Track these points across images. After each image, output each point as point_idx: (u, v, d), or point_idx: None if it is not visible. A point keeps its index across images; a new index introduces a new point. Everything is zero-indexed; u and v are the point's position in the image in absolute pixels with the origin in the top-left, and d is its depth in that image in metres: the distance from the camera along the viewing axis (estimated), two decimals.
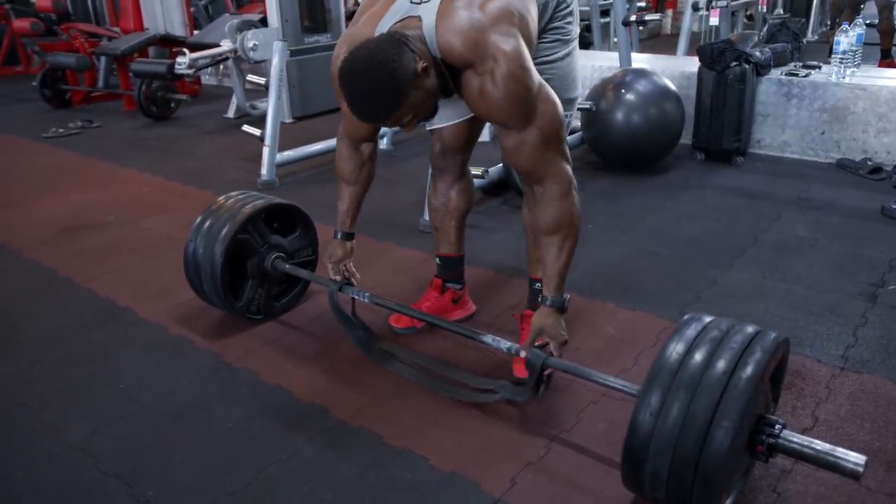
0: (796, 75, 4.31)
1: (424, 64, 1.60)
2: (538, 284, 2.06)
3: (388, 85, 1.55)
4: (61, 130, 5.66)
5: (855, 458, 1.42)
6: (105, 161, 4.83)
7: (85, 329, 2.54)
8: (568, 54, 2.00)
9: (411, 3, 1.70)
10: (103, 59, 6.58)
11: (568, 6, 1.97)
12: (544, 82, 1.70)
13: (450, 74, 1.69)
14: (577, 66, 2.05)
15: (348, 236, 2.24)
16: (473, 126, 2.20)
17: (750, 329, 1.52)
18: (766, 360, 1.44)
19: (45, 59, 6.60)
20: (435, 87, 1.66)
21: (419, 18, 1.66)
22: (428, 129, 2.23)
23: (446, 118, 2.15)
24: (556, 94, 1.90)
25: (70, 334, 2.51)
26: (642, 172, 4.09)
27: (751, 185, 3.90)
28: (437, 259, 2.46)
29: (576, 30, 2.03)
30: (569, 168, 1.77)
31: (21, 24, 7.48)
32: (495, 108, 1.66)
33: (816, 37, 9.16)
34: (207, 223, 2.41)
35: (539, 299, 1.86)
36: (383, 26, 1.71)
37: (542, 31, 1.93)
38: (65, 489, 1.74)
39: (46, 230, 3.55)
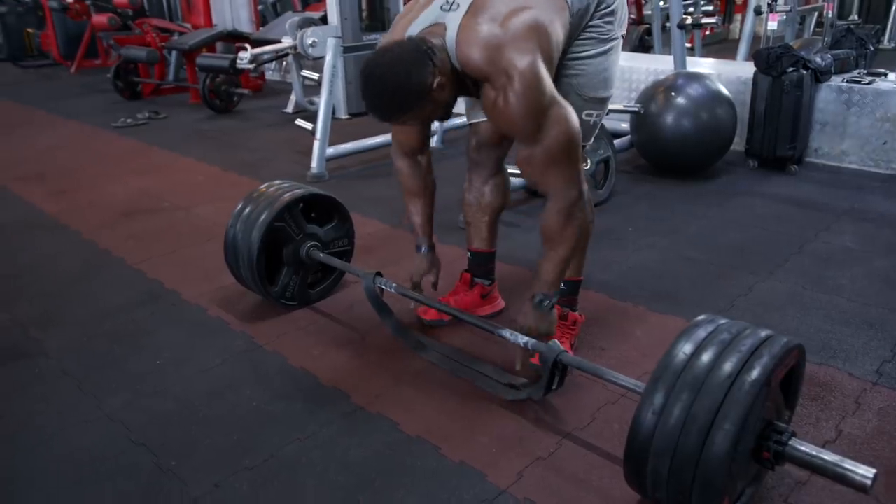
0: (858, 82, 4.17)
1: (441, 80, 1.69)
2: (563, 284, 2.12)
3: (398, 96, 1.66)
4: (129, 120, 5.92)
5: (863, 471, 1.39)
6: (167, 150, 5.03)
7: (131, 308, 2.67)
8: (602, 53, 2.00)
9: (441, 9, 1.75)
10: (173, 53, 6.84)
11: (609, 7, 1.97)
12: (560, 100, 1.73)
13: (472, 82, 1.75)
14: (613, 66, 2.05)
15: (431, 248, 2.27)
16: None
17: (762, 333, 1.50)
18: (774, 365, 1.42)
19: (118, 53, 6.90)
20: (448, 98, 1.75)
21: (444, 27, 1.70)
22: (467, 122, 2.28)
23: (483, 113, 2.16)
24: (585, 91, 1.91)
25: (117, 312, 2.64)
26: (691, 178, 4.03)
27: (803, 194, 3.80)
28: (469, 253, 2.48)
29: (618, 31, 2.03)
30: (573, 188, 1.81)
31: (99, 19, 7.83)
32: (506, 122, 1.75)
33: (894, 44, 8.81)
34: (247, 210, 2.50)
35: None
36: (413, 30, 1.77)
37: (583, 29, 1.95)
38: (96, 454, 1.84)
39: (106, 214, 3.73)
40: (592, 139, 2.12)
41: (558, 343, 1.85)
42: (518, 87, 1.65)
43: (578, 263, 2.27)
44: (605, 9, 1.97)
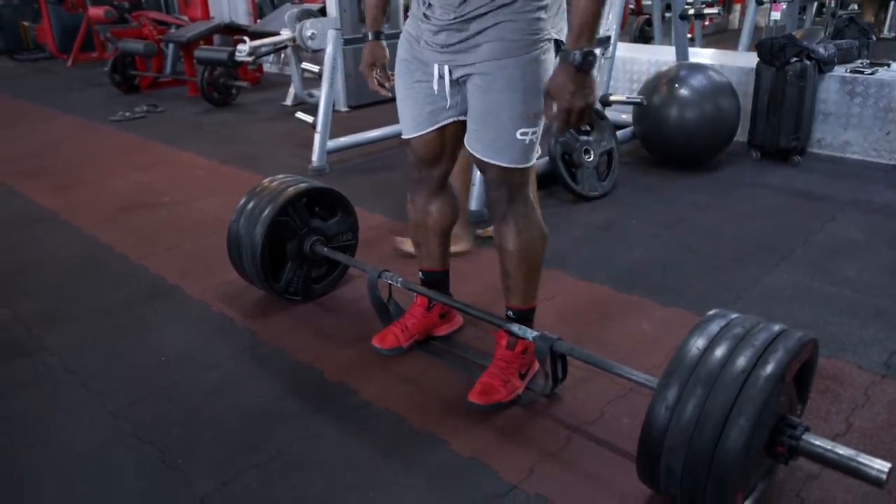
0: (861, 72, 4.15)
1: None
2: (510, 312, 2.01)
3: None
4: (128, 114, 5.88)
5: (879, 465, 1.38)
6: (165, 144, 5.00)
7: (134, 303, 2.65)
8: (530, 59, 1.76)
9: None
10: (171, 46, 6.79)
11: None
12: None
13: None
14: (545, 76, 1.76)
15: (379, 35, 2.09)
16: (443, 138, 1.96)
17: (775, 327, 1.49)
18: (789, 360, 1.41)
19: (115, 46, 6.85)
20: None
21: None
22: (403, 137, 2.04)
23: (414, 122, 1.97)
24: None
25: (120, 308, 2.62)
26: (694, 169, 4.01)
27: (807, 185, 3.78)
28: (420, 273, 2.27)
29: (549, 28, 1.77)
30: None
31: (96, 11, 7.78)
32: None
33: (894, 34, 8.78)
34: (250, 205, 2.48)
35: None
36: None
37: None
38: (103, 452, 1.83)
39: (106, 209, 3.70)
40: (533, 160, 1.88)
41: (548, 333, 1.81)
42: None
43: (532, 287, 2.01)
44: None
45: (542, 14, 1.72)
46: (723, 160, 4.16)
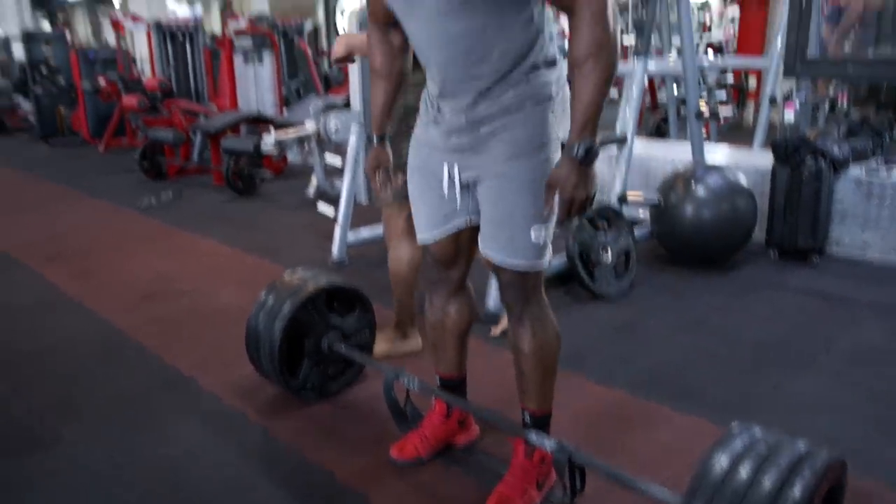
0: (877, 173, 4.18)
1: None
2: (527, 414, 1.98)
3: None
4: (153, 201, 6.03)
5: None
6: (188, 232, 5.09)
7: (148, 395, 2.64)
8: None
9: None
10: (198, 134, 7.02)
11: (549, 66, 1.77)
12: None
13: None
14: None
15: (383, 138, 2.08)
16: (459, 241, 1.97)
17: (801, 447, 1.45)
18: (816, 483, 1.37)
19: (146, 134, 7.09)
20: None
21: None
22: (419, 242, 2.05)
23: (429, 227, 1.98)
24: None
25: (134, 399, 2.61)
26: (712, 269, 4.01)
27: (827, 287, 3.76)
28: (438, 378, 2.24)
29: (559, 129, 1.80)
30: None
31: (129, 100, 8.09)
32: None
33: None
34: (270, 299, 2.50)
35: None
36: None
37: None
38: None
39: (127, 296, 3.74)
40: (547, 261, 1.87)
41: (567, 442, 1.78)
42: None
43: (548, 389, 1.98)
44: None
45: (551, 116, 1.76)
46: (741, 259, 4.16)
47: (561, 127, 1.77)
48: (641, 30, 3.86)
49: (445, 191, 1.87)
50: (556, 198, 1.63)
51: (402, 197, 2.45)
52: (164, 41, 8.88)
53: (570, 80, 1.64)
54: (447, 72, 1.73)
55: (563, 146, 1.73)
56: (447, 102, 1.78)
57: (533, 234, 1.78)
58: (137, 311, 3.54)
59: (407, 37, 1.88)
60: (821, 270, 4.03)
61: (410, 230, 2.64)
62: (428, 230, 1.98)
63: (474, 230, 1.93)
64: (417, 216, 2.00)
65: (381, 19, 1.93)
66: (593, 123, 1.58)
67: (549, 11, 1.72)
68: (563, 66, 1.78)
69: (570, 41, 1.58)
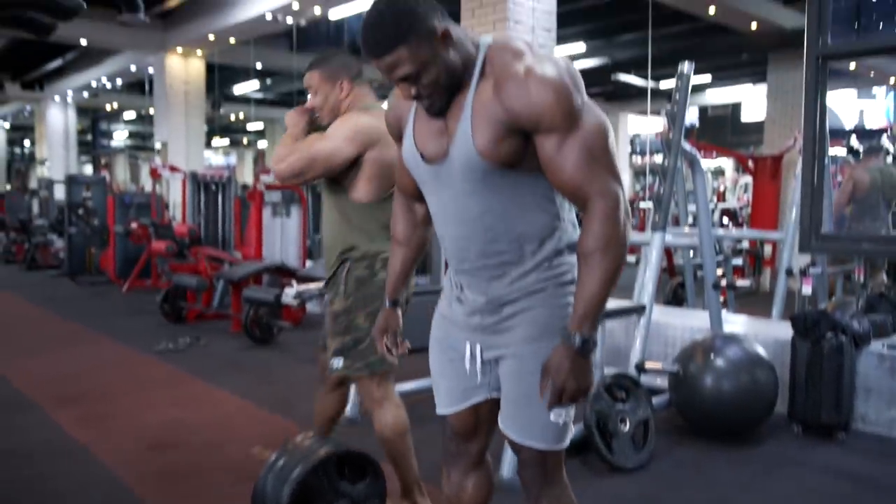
0: None
1: (449, 36, 1.60)
2: None
3: (401, 17, 1.55)
4: (171, 345, 6.06)
5: None
6: (203, 380, 5.08)
7: None
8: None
9: None
10: (221, 281, 7.17)
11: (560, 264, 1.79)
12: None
13: (478, 80, 1.66)
14: None
15: (395, 303, 2.11)
16: (478, 414, 1.95)
17: None
18: None
19: (170, 279, 7.26)
20: (450, 65, 1.62)
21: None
22: (438, 412, 2.02)
23: (449, 399, 1.96)
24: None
25: None
26: (734, 442, 3.89)
27: (854, 466, 3.62)
28: None
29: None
30: (618, 187, 1.61)
31: (158, 245, 8.36)
32: (537, 99, 1.56)
33: None
34: (281, 461, 2.45)
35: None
36: None
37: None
38: None
39: (136, 445, 3.68)
40: (568, 441, 1.84)
41: None
42: (554, 68, 1.58)
43: None
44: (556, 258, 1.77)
45: (571, 299, 1.76)
46: (764, 433, 4.04)
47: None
48: (659, 203, 3.99)
49: (467, 367, 1.87)
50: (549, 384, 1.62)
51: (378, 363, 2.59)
52: (198, 190, 9.30)
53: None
54: (467, 249, 1.78)
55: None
56: (468, 280, 1.83)
57: (553, 416, 1.76)
58: (144, 461, 3.46)
59: (428, 209, 1.95)
60: (846, 448, 3.90)
61: (387, 395, 2.73)
62: (448, 404, 1.96)
63: (495, 403, 1.91)
64: (437, 388, 1.99)
65: (407, 192, 2.01)
66: (595, 316, 1.60)
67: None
68: None
69: (581, 232, 1.64)
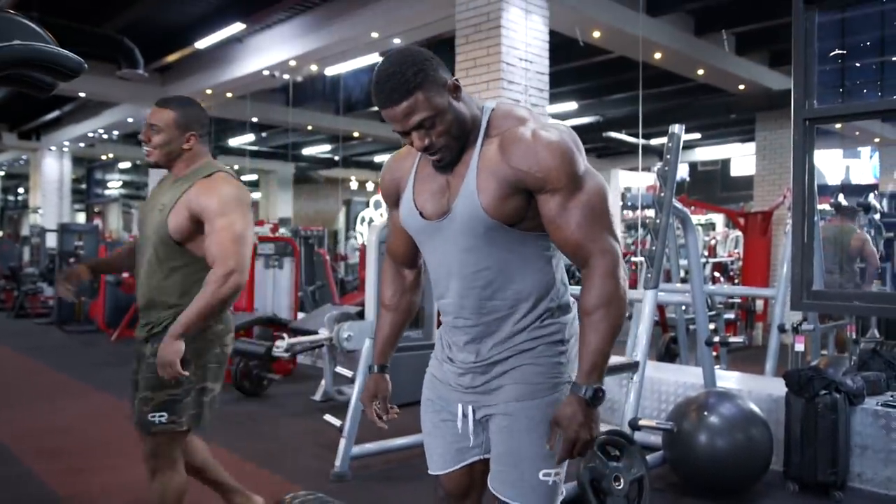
0: (893, 407, 4.12)
1: (458, 91, 1.67)
2: None
3: (414, 66, 1.60)
4: None
5: None
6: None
7: None
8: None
9: None
10: None
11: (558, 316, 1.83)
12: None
13: (481, 143, 1.72)
14: None
15: (383, 368, 2.08)
16: (472, 474, 1.94)
17: None
18: None
19: None
20: (461, 116, 1.68)
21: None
22: (430, 472, 1.99)
23: (442, 459, 1.94)
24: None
25: None
26: (729, 500, 3.84)
27: None
28: None
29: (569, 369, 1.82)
30: (617, 246, 1.68)
31: None
32: (543, 161, 1.63)
33: None
34: None
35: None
36: None
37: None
38: None
39: (116, 500, 3.59)
40: (559, 502, 1.83)
41: None
42: (557, 134, 1.66)
43: None
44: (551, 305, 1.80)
45: (563, 358, 1.80)
46: (759, 491, 3.99)
47: (572, 369, 1.80)
48: (652, 261, 4.01)
49: (460, 427, 1.86)
50: (559, 437, 1.64)
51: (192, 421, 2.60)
52: None
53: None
54: (463, 306, 1.79)
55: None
56: (460, 338, 1.83)
57: (541, 475, 1.75)
58: None
59: (418, 275, 2.04)
60: None
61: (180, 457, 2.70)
62: (441, 466, 1.94)
63: (487, 464, 1.89)
64: (430, 448, 1.97)
65: (397, 258, 2.05)
66: (601, 369, 1.66)
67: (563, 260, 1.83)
68: (575, 311, 1.85)
69: (581, 290, 1.68)
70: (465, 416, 1.85)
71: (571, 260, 1.72)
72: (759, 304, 10.04)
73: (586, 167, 1.68)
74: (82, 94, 12.91)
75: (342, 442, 4.08)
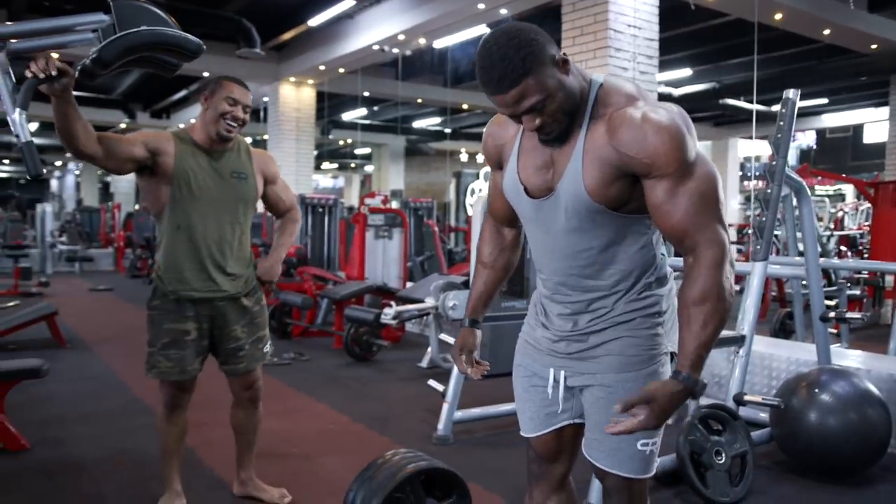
0: None
1: (567, 64, 1.60)
2: None
3: (522, 50, 1.53)
4: (275, 359, 6.34)
5: None
6: (304, 393, 5.30)
7: None
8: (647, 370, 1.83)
9: None
10: (325, 300, 7.45)
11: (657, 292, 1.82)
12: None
13: (589, 121, 1.68)
14: None
15: (475, 322, 2.11)
16: (561, 438, 1.97)
17: None
18: None
19: (277, 296, 7.61)
20: (571, 91, 1.63)
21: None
22: (522, 433, 2.03)
23: (532, 423, 1.98)
24: None
25: None
26: (840, 482, 3.69)
27: None
28: None
29: (665, 340, 1.84)
30: (726, 237, 1.61)
31: None
32: (652, 145, 1.57)
33: None
34: (369, 475, 2.55)
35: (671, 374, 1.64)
36: None
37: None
38: None
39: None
40: (654, 470, 1.85)
41: None
42: (668, 115, 1.59)
43: None
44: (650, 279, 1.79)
45: (660, 329, 1.80)
46: (875, 476, 3.81)
47: (670, 340, 1.81)
48: (761, 232, 3.88)
49: (550, 393, 1.90)
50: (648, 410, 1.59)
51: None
52: (306, 212, 9.70)
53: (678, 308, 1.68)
54: (564, 283, 1.82)
55: (671, 356, 1.76)
56: (557, 308, 1.86)
57: (640, 445, 1.78)
58: None
59: (518, 234, 2.04)
60: None
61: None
62: (531, 429, 1.99)
63: (577, 428, 1.93)
64: (521, 412, 2.02)
65: (498, 217, 2.06)
66: (702, 361, 1.60)
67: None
68: (673, 282, 1.85)
69: (685, 280, 1.64)
70: (556, 381, 1.88)
71: (676, 247, 1.68)
72: (889, 279, 9.41)
73: (698, 153, 1.61)
74: (206, 74, 13.63)
75: (445, 407, 4.22)
